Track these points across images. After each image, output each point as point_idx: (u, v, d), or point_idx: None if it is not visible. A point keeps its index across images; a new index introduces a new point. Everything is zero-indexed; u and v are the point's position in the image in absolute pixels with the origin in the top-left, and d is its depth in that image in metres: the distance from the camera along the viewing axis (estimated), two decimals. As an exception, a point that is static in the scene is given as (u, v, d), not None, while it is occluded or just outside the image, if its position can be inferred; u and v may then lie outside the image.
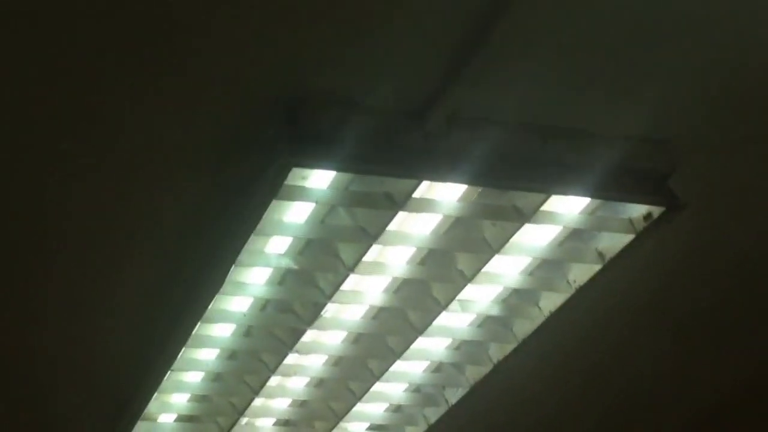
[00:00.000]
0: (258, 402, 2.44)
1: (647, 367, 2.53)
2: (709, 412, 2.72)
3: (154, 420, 2.53)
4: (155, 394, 2.36)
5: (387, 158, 1.77)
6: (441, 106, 1.74)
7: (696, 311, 2.36)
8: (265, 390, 2.38)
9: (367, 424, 2.59)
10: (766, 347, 2.52)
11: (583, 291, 2.08)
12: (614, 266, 2.03)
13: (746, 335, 2.47)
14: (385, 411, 2.54)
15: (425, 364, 2.37)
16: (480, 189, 1.88)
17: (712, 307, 2.37)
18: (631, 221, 1.95)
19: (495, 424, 2.62)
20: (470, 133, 1.79)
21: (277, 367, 2.29)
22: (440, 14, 1.59)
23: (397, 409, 2.53)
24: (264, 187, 1.79)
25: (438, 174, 1.82)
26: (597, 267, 2.03)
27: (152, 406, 2.42)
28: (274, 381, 2.37)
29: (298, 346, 2.23)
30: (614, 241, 1.99)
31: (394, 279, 2.10)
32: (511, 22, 1.59)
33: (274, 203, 1.85)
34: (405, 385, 2.44)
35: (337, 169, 1.79)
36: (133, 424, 2.46)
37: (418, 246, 2.01)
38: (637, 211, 1.93)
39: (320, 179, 1.84)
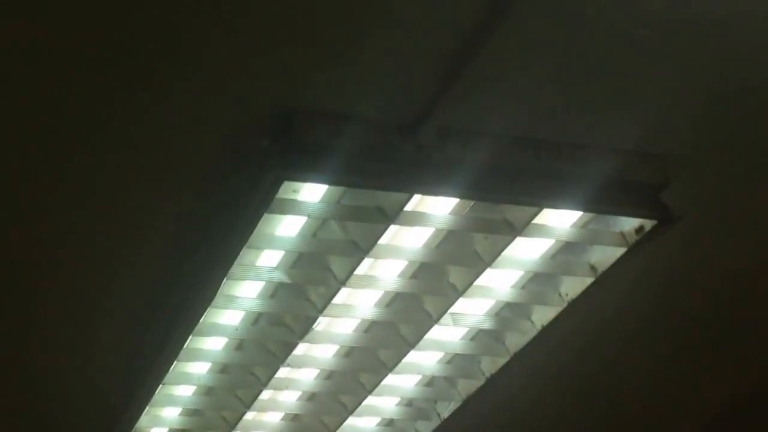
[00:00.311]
0: (249, 416, 2.45)
1: (641, 381, 2.53)
2: (702, 426, 2.73)
3: (145, 435, 2.54)
4: (146, 408, 2.36)
5: (378, 171, 1.77)
6: (432, 120, 1.75)
7: (689, 324, 2.37)
8: (256, 404, 2.38)
9: None
10: (759, 361, 2.52)
11: (575, 304, 2.09)
12: (607, 279, 2.03)
13: (739, 349, 2.48)
14: (377, 425, 2.54)
15: (417, 377, 2.37)
16: (472, 202, 1.89)
17: (706, 321, 2.37)
18: (623, 234, 1.95)
19: None
20: (462, 146, 1.79)
21: (269, 380, 2.30)
22: (432, 28, 1.59)
23: (389, 423, 2.53)
24: (256, 200, 1.79)
25: (429, 187, 1.82)
26: (589, 280, 2.04)
27: (143, 421, 2.42)
28: (266, 395, 2.38)
29: (289, 359, 2.23)
30: (606, 255, 1.99)
31: (386, 293, 2.11)
32: (504, 36, 1.60)
33: (266, 216, 1.85)
34: (397, 399, 2.45)
35: (329, 183, 1.79)
36: (123, 439, 2.47)
37: (409, 259, 2.02)
38: (630, 224, 1.93)
39: (312, 193, 1.84)
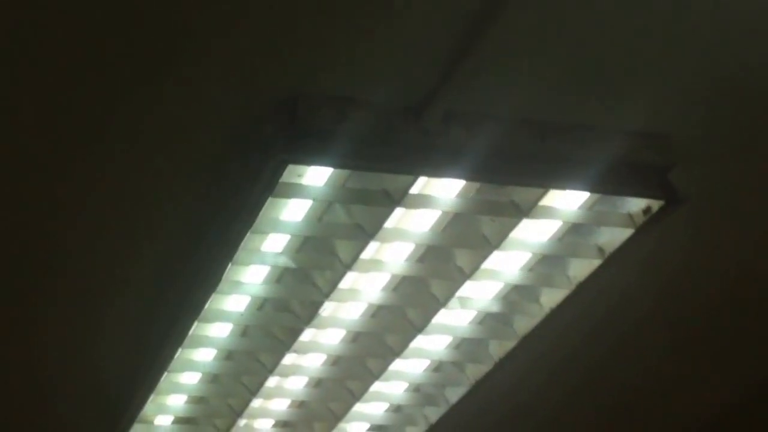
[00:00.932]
0: (256, 403, 2.46)
1: (650, 364, 2.54)
2: (712, 411, 2.73)
3: (151, 422, 2.55)
4: (151, 396, 2.38)
5: (384, 155, 1.79)
6: (438, 103, 1.76)
7: (699, 308, 2.38)
8: (263, 391, 2.40)
9: (367, 425, 2.60)
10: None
11: (583, 286, 2.09)
12: (614, 261, 2.04)
13: (749, 333, 2.48)
14: (385, 411, 2.56)
15: (425, 362, 2.38)
16: (478, 185, 1.90)
17: (716, 305, 2.38)
18: (630, 216, 1.96)
19: (497, 423, 2.64)
20: (467, 129, 1.80)
21: (275, 367, 2.31)
22: (438, 12, 1.61)
23: (397, 409, 2.55)
24: (260, 184, 1.81)
25: (435, 170, 1.83)
26: (597, 262, 2.05)
27: (148, 408, 2.44)
28: (272, 382, 2.39)
29: (296, 345, 2.25)
30: (614, 236, 2.00)
31: (393, 276, 2.12)
32: (508, 19, 1.61)
33: (271, 201, 1.86)
34: (405, 385, 2.46)
35: (334, 166, 1.81)
36: (129, 426, 2.48)
37: (416, 243, 2.03)
38: (637, 205, 1.94)
39: (317, 176, 1.85)
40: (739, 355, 2.54)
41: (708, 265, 2.24)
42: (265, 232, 1.97)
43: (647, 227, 1.96)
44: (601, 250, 2.03)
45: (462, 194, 1.92)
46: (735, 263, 2.24)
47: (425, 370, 2.41)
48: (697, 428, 2.77)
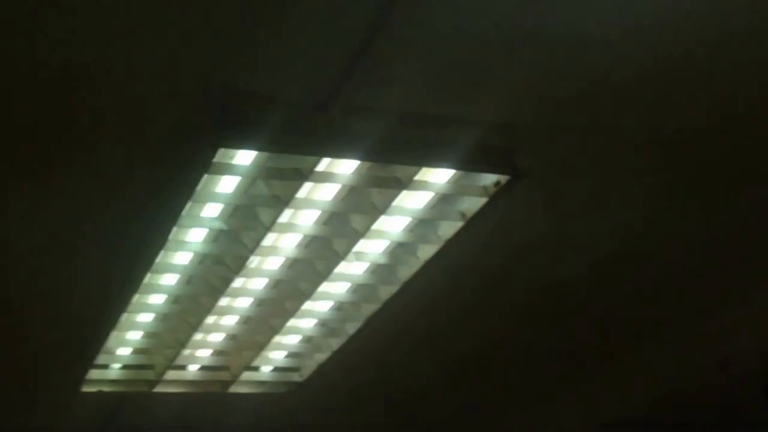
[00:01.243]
0: (197, 337, 2.44)
1: (504, 306, 2.53)
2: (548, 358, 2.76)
3: (113, 353, 2.51)
4: (114, 333, 2.35)
5: (296, 141, 1.77)
6: (339, 99, 1.74)
7: (541, 261, 2.35)
8: (203, 327, 2.38)
9: (285, 352, 2.61)
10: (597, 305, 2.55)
11: (450, 243, 2.11)
12: (473, 224, 2.05)
13: (576, 278, 2.46)
14: (299, 342, 2.56)
15: (330, 303, 2.39)
16: (369, 164, 1.89)
17: (555, 256, 2.35)
18: (485, 187, 1.98)
19: (383, 347, 2.62)
20: (362, 119, 1.79)
21: (212, 308, 2.29)
22: (339, 25, 1.60)
23: (308, 340, 2.55)
24: (198, 164, 1.79)
25: (336, 153, 1.83)
26: (460, 224, 2.06)
27: (111, 342, 2.41)
28: (210, 320, 2.37)
29: (228, 291, 2.23)
30: (472, 204, 2.01)
31: (304, 236, 2.11)
32: (394, 31, 1.60)
33: (207, 177, 1.85)
34: (314, 321, 2.46)
35: (257, 150, 1.79)
36: (94, 356, 2.44)
37: (321, 210, 2.02)
38: (489, 179, 1.96)
39: (244, 158, 1.83)
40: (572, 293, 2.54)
41: (545, 227, 2.24)
42: (203, 202, 1.95)
43: (498, 196, 1.97)
44: (463, 214, 2.04)
45: (357, 171, 1.92)
46: (567, 224, 2.24)
47: (330, 309, 2.41)
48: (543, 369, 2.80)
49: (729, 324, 2.73)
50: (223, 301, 2.28)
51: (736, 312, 2.68)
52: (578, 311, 2.60)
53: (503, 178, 1.93)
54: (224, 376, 2.62)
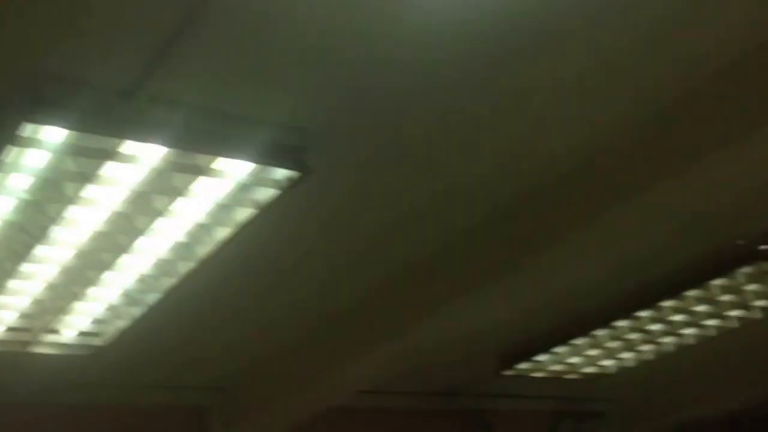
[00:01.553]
0: (1, 299, 2.48)
1: (294, 281, 2.71)
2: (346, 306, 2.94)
3: None
4: None
5: (103, 123, 1.86)
6: (145, 89, 1.83)
7: (322, 248, 2.52)
8: (6, 290, 2.41)
9: (91, 319, 2.67)
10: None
11: (244, 228, 2.23)
12: (266, 212, 2.18)
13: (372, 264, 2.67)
14: (104, 310, 2.62)
15: (132, 275, 2.45)
16: (170, 149, 1.98)
17: (345, 257, 2.54)
18: (278, 181, 2.10)
19: (181, 315, 2.73)
20: (165, 110, 1.89)
21: (15, 273, 2.34)
22: (150, 19, 1.69)
23: (111, 308, 2.62)
24: (6, 138, 1.84)
25: (140, 137, 1.91)
26: (254, 211, 2.19)
27: None
28: (12, 284, 2.41)
29: (30, 257, 2.28)
30: (266, 194, 2.14)
31: (108, 211, 2.16)
32: (201, 29, 1.70)
33: (16, 150, 1.89)
34: (118, 290, 2.52)
35: (66, 128, 1.85)
36: None
37: (126, 188, 2.08)
38: (282, 174, 2.08)
39: (54, 135, 1.88)
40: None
41: (329, 218, 2.40)
42: (8, 173, 1.98)
43: (288, 189, 2.10)
44: (257, 203, 2.17)
45: (159, 156, 1.99)
46: (350, 216, 2.40)
47: (133, 281, 2.48)
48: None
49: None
50: (26, 267, 2.32)
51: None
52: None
53: (294, 174, 2.06)
54: (26, 336, 2.66)
